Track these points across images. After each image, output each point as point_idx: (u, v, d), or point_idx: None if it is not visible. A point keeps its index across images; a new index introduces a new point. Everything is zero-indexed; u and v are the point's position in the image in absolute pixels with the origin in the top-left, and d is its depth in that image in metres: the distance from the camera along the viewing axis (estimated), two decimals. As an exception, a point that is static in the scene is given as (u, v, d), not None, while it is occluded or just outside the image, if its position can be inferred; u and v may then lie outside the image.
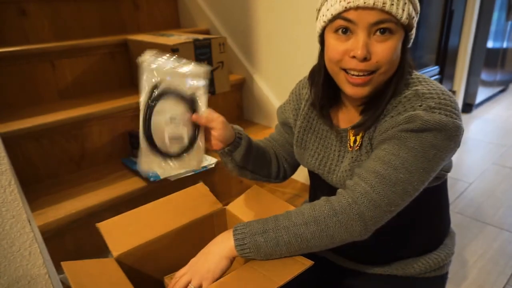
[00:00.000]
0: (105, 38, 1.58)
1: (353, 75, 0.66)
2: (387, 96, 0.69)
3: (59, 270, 0.74)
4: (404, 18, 0.63)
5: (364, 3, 0.61)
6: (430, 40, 2.47)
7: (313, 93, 0.80)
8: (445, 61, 2.61)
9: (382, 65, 0.65)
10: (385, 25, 0.63)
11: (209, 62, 1.43)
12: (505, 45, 3.21)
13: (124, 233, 0.87)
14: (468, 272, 1.40)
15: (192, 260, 0.73)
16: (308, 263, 0.71)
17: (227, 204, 1.01)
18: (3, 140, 0.89)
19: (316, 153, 0.83)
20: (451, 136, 0.64)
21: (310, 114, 0.84)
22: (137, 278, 0.85)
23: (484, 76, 3.00)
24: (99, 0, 1.71)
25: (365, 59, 0.64)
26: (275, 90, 1.73)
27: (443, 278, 0.84)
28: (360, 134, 0.73)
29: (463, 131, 0.66)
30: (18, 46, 1.37)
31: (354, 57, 0.64)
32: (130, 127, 1.44)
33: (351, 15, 0.63)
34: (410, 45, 0.70)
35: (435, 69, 2.55)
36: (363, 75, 0.65)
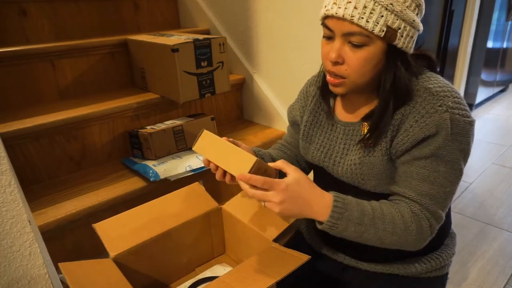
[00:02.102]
0: (105, 38, 1.57)
1: (330, 75, 0.72)
2: (390, 95, 0.71)
3: (59, 270, 0.74)
4: (377, 31, 0.64)
5: (336, 13, 0.66)
6: (430, 40, 2.47)
7: (320, 86, 0.86)
8: (445, 61, 2.62)
9: (350, 74, 0.69)
10: (355, 38, 0.66)
11: (209, 62, 1.43)
12: (505, 45, 3.21)
13: (121, 233, 0.87)
14: (468, 272, 1.40)
15: (292, 195, 0.66)
16: (305, 257, 0.72)
17: (227, 204, 1.01)
18: (3, 140, 0.89)
19: (322, 146, 0.85)
20: (471, 134, 0.70)
21: (316, 109, 0.87)
22: (134, 278, 0.85)
23: (484, 76, 3.00)
24: (99, 0, 1.71)
25: (337, 63, 0.69)
26: (275, 90, 1.73)
27: (443, 278, 0.85)
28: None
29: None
30: (18, 46, 1.37)
31: (330, 61, 0.70)
32: (130, 127, 1.44)
33: (329, 23, 0.69)
34: (409, 51, 0.70)
35: (435, 69, 2.55)
36: (335, 77, 0.71)
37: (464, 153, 0.70)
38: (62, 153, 1.32)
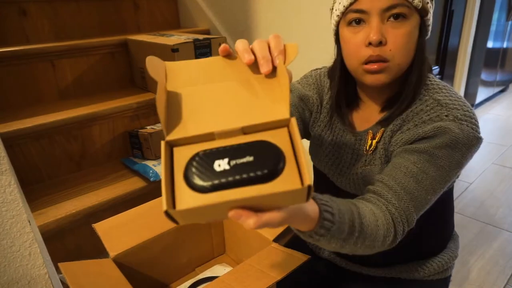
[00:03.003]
0: (105, 38, 1.58)
1: (370, 62, 0.65)
2: (411, 83, 0.68)
3: (59, 270, 0.74)
4: (416, 1, 0.63)
5: None
6: (430, 40, 2.47)
7: (332, 93, 0.79)
8: (445, 61, 2.61)
9: (395, 54, 0.64)
10: (398, 9, 0.62)
11: (209, 62, 1.43)
12: (505, 45, 3.21)
13: (121, 233, 0.87)
14: (468, 272, 1.40)
15: None
16: (305, 257, 0.72)
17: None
18: (3, 140, 0.89)
19: (331, 153, 0.82)
20: (473, 151, 0.65)
21: (332, 112, 0.83)
22: (134, 278, 0.85)
23: (484, 76, 3.00)
24: (99, 0, 1.71)
25: (380, 43, 0.63)
26: (275, 90, 1.73)
27: (446, 281, 0.84)
28: (376, 139, 0.73)
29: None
30: (18, 46, 1.37)
31: (370, 44, 0.63)
32: (130, 127, 1.44)
33: (362, 4, 0.63)
34: (428, 35, 0.69)
35: (435, 69, 2.55)
36: (379, 61, 0.64)
37: (459, 167, 0.65)
38: (62, 153, 1.32)
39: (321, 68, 0.87)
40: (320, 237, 0.54)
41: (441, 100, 0.66)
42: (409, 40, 0.64)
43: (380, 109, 0.74)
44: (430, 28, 0.69)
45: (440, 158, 0.64)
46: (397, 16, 0.63)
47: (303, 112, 0.85)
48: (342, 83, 0.76)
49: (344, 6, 0.66)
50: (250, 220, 0.41)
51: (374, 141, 0.73)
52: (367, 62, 0.65)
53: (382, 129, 0.72)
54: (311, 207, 0.51)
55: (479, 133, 0.65)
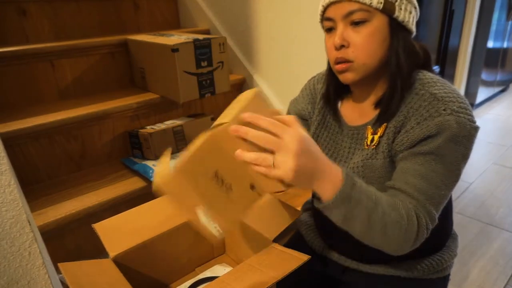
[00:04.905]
0: (105, 38, 1.57)
1: (338, 63, 0.71)
2: (391, 78, 0.71)
3: (59, 270, 0.74)
4: (375, 3, 0.66)
5: None
6: (430, 40, 2.47)
7: (325, 84, 0.85)
8: (445, 61, 2.61)
9: (358, 55, 0.69)
10: (356, 15, 0.67)
11: (209, 62, 1.43)
12: (505, 45, 3.21)
13: (121, 233, 0.87)
14: (468, 272, 1.40)
15: (308, 148, 0.56)
16: (305, 257, 0.72)
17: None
18: (3, 140, 0.89)
19: (327, 148, 0.84)
20: (473, 141, 0.68)
21: (324, 109, 0.87)
22: (134, 278, 0.85)
23: (484, 76, 3.00)
24: (99, 0, 1.71)
25: (343, 47, 0.69)
26: (275, 90, 1.73)
27: (445, 279, 0.85)
28: (378, 134, 0.75)
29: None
30: (18, 46, 1.37)
31: (335, 47, 0.70)
32: (130, 127, 1.44)
33: (329, 12, 0.70)
34: (412, 32, 0.71)
35: (435, 69, 2.55)
36: (342, 63, 0.71)
37: (465, 158, 0.68)
38: (62, 153, 1.32)
39: (315, 76, 0.93)
40: (352, 191, 0.59)
41: (437, 94, 0.68)
42: (372, 41, 0.68)
43: (374, 105, 0.76)
44: (408, 23, 0.70)
45: (445, 155, 0.66)
46: (357, 22, 0.68)
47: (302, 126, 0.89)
48: (330, 75, 0.81)
49: (319, 15, 0.74)
50: None
51: (376, 136, 0.75)
52: (337, 63, 0.72)
53: (384, 124, 0.74)
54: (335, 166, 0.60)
55: (475, 122, 0.68)
